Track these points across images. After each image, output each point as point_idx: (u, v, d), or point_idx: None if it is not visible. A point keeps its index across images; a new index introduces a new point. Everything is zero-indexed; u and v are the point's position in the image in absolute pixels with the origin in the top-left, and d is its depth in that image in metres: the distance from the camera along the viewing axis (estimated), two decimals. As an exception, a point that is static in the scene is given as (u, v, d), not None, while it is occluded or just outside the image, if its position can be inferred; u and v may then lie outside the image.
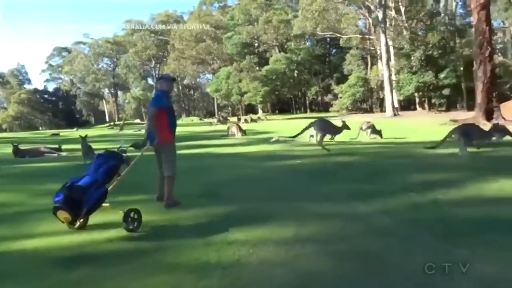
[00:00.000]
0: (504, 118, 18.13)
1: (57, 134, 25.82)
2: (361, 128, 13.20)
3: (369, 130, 13.14)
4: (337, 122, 11.81)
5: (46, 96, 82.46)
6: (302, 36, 46.71)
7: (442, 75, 31.17)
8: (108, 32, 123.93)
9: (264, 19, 49.01)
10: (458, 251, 3.29)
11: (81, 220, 4.11)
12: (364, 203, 4.89)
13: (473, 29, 24.94)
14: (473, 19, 18.78)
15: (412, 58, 31.69)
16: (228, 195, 5.69)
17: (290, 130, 20.40)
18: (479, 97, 18.21)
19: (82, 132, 32.27)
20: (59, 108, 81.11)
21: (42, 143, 18.26)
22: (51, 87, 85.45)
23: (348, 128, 11.43)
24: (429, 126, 18.73)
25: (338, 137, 12.82)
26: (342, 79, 47.04)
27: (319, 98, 55.89)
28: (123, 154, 5.04)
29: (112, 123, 48.91)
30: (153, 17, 73.49)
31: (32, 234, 4.20)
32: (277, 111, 57.03)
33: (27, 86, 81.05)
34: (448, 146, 10.34)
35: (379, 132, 13.09)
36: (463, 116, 23.66)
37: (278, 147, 11.58)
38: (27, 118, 76.75)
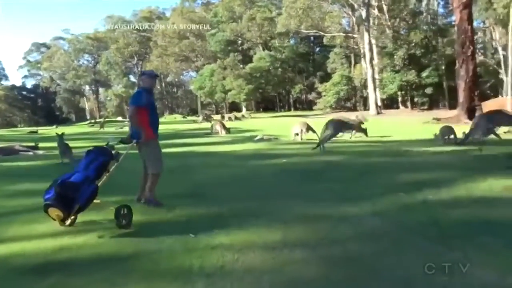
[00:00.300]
0: (485, 117, 18.38)
1: (35, 132, 25.03)
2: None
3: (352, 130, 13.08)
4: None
5: (24, 92, 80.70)
6: (286, 34, 46.68)
7: (424, 74, 31.58)
8: (89, 28, 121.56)
9: (248, 16, 48.73)
10: (451, 254, 3.16)
11: (72, 218, 4.00)
12: (353, 204, 4.74)
13: (455, 29, 25.32)
14: (456, 18, 19.02)
15: (395, 57, 31.96)
16: (212, 195, 5.47)
17: (274, 128, 20.51)
18: (461, 96, 18.46)
19: (62, 129, 31.50)
20: (38, 105, 79.44)
21: (19, 141, 17.63)
22: (29, 83, 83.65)
23: (362, 123, 11.27)
24: (412, 125, 18.91)
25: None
26: (326, 77, 47.20)
27: (303, 96, 55.96)
28: (113, 150, 4.77)
29: (93, 121, 47.90)
30: (135, 13, 72.43)
31: (1, 238, 3.91)
32: (261, 109, 56.88)
33: (4, 83, 78.75)
34: (434, 144, 10.39)
35: (364, 131, 13.02)
36: (445, 114, 23.95)
37: (263, 145, 11.39)
38: (4, 116, 74.78)
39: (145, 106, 4.79)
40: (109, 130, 25.65)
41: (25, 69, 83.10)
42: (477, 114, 18.32)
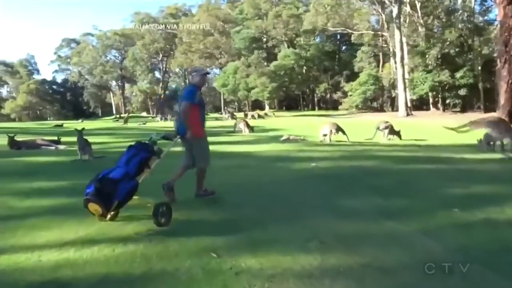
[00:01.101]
0: (528, 121, 17.12)
1: (60, 125, 25.19)
2: (378, 128, 12.31)
3: (386, 131, 12.26)
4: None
5: (54, 87, 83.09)
6: (312, 31, 45.74)
7: (458, 75, 30.01)
8: (117, 24, 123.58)
9: (274, 13, 48.06)
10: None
11: (112, 213, 3.96)
12: (399, 220, 4.07)
13: (493, 26, 23.79)
14: (499, 14, 17.71)
15: (427, 56, 30.54)
16: (234, 204, 4.89)
17: (300, 128, 19.80)
18: (502, 98, 17.17)
19: (86, 124, 31.77)
20: (67, 99, 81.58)
21: (44, 134, 17.60)
22: (59, 78, 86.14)
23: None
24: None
25: (355, 138, 12.04)
26: (352, 76, 46.03)
27: (328, 96, 54.86)
28: (155, 146, 4.59)
29: (118, 116, 48.35)
30: (162, 10, 73.24)
31: (3, 247, 3.47)
32: (284, 108, 56.16)
33: (36, 77, 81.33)
34: (477, 151, 9.51)
35: (397, 133, 12.20)
36: (481, 117, 22.61)
37: (289, 146, 10.73)
38: (35, 109, 76.89)
39: (197, 104, 4.87)
40: (132, 125, 25.65)
41: (55, 64, 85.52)
42: (519, 118, 17.14)
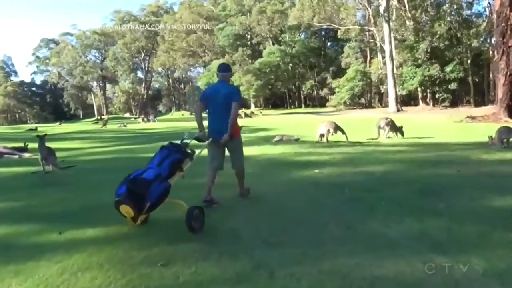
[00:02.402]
0: (529, 115, 16.46)
1: (34, 129, 23.53)
2: (379, 127, 11.32)
3: (387, 128, 11.27)
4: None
5: (33, 88, 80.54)
6: (297, 27, 44.79)
7: (448, 69, 29.41)
8: (97, 23, 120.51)
9: (258, 9, 46.94)
10: None
11: (143, 216, 3.72)
12: (450, 255, 3.00)
13: (480, 19, 23.13)
14: (495, 4, 16.98)
15: (416, 50, 29.81)
16: (227, 231, 3.77)
17: (290, 126, 18.69)
18: (500, 91, 16.49)
19: (65, 127, 30.09)
20: (47, 101, 79.34)
21: (14, 140, 16.07)
22: (38, 79, 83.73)
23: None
24: (444, 124, 17.00)
25: (354, 137, 11.01)
26: (339, 72, 45.28)
27: (315, 93, 54.01)
28: (187, 148, 4.28)
29: (98, 118, 46.54)
30: (143, 8, 71.44)
31: None
32: (270, 106, 55.14)
33: (14, 79, 78.56)
34: (491, 149, 8.60)
35: (399, 130, 11.23)
36: (473, 112, 21.97)
37: (284, 148, 9.61)
38: (14, 112, 74.31)
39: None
40: (111, 128, 24.17)
41: (34, 65, 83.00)
42: (518, 111, 16.46)
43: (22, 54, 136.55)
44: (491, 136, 9.33)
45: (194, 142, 4.74)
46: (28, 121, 70.68)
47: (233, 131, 4.67)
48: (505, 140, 9.05)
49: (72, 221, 4.17)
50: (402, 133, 11.23)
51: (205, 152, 4.80)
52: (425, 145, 10.05)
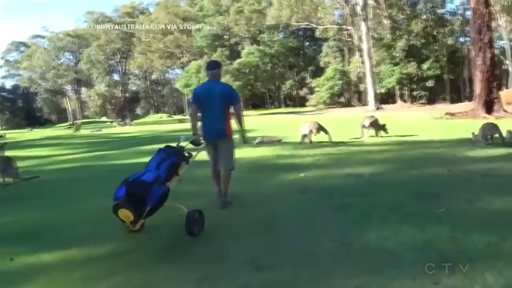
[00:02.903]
0: (505, 111, 16.60)
1: (1, 137, 22.34)
2: (363, 126, 11.02)
3: (370, 127, 10.97)
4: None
5: (3, 93, 77.63)
6: (275, 27, 44.61)
7: (425, 66, 29.70)
8: (69, 25, 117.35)
9: (235, 9, 46.54)
10: None
11: (142, 221, 3.61)
12: (455, 271, 2.64)
13: (455, 17, 23.26)
14: (471, 1, 17.03)
15: (395, 48, 29.97)
16: (207, 248, 3.32)
17: (271, 127, 18.29)
18: (478, 87, 16.55)
19: (36, 132, 28.84)
20: (19, 107, 76.61)
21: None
22: (8, 84, 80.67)
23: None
24: (424, 121, 16.92)
25: (337, 137, 10.68)
26: (318, 72, 45.31)
27: (294, 92, 53.94)
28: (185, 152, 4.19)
29: (71, 122, 45.09)
30: (117, 9, 69.97)
31: None
32: (250, 106, 54.73)
33: (-19, 84, 75.66)
34: (477, 147, 8.41)
35: (383, 127, 10.96)
36: (450, 109, 22.14)
37: (266, 150, 9.18)
38: (-18, 118, 71.60)
39: None
40: (85, 133, 23.24)
41: (4, 69, 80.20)
42: (496, 107, 16.58)
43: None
44: (474, 133, 9.16)
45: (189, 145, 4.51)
46: (0, 127, 68.31)
47: (229, 130, 4.68)
48: (489, 136, 8.89)
49: (27, 244, 3.63)
50: (386, 131, 10.97)
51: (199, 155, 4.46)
52: (409, 143, 9.80)
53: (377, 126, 11.00)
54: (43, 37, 74.21)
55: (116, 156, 10.18)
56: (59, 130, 30.50)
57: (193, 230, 3.58)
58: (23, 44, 77.94)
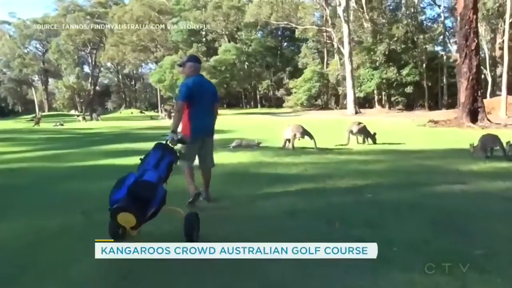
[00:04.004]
0: (489, 121, 16.20)
1: (-51, 128, 20.27)
2: (350, 132, 10.12)
3: (359, 134, 10.12)
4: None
5: (-35, 81, 73.45)
6: (254, 25, 43.61)
7: (404, 72, 29.42)
8: (39, 13, 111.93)
9: (214, 4, 45.14)
10: None
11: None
12: None
13: (435, 24, 22.83)
14: (458, 6, 16.55)
15: (375, 52, 29.53)
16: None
17: (248, 128, 17.15)
18: (462, 96, 16.07)
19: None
20: (-20, 96, 72.64)
21: None
22: (-30, 71, 76.06)
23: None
24: (408, 129, 16.33)
25: (321, 143, 9.72)
26: (295, 73, 44.64)
27: (271, 93, 53.10)
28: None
29: (34, 115, 42.49)
30: (89, -2, 67.07)
31: None
32: (225, 106, 53.50)
33: None
34: (477, 159, 7.64)
35: (373, 136, 10.12)
36: (435, 116, 21.64)
37: (244, 156, 8.07)
38: None
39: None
40: (45, 127, 21.39)
41: (-35, 55, 75.57)
42: (480, 116, 16.17)
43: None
44: (473, 144, 8.42)
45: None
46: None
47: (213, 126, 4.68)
48: (489, 148, 8.17)
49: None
50: (374, 140, 10.12)
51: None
52: (400, 152, 8.97)
53: (365, 133, 10.13)
54: (9, 24, 70.59)
55: (71, 157, 8.81)
56: (19, 123, 28.28)
57: (193, 234, 3.22)
58: (-12, 30, 73.89)
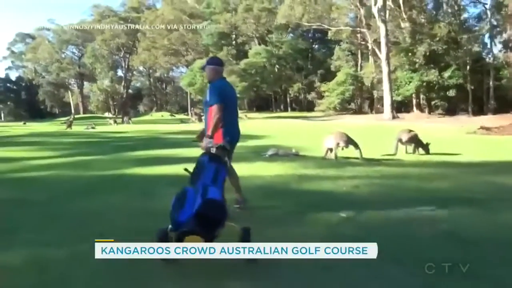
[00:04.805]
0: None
1: (-14, 131, 20.56)
2: (400, 140, 9.07)
3: (408, 143, 9.04)
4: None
5: (8, 84, 76.80)
6: (285, 27, 42.73)
7: (446, 74, 27.61)
8: (76, 18, 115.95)
9: (244, 6, 44.65)
10: None
11: None
12: None
13: (481, 24, 21.11)
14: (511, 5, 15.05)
15: (415, 53, 27.89)
16: None
17: (283, 134, 16.12)
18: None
19: (27, 127, 27.02)
20: (22, 98, 75.67)
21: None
22: (13, 75, 79.90)
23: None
24: (455, 136, 14.94)
25: (364, 152, 8.70)
26: (327, 76, 43.37)
27: (301, 96, 51.98)
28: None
29: (68, 118, 43.35)
30: (123, 3, 68.65)
31: None
32: (254, 109, 52.86)
33: (-13, 74, 74.77)
34: None
35: (424, 145, 9.02)
36: (481, 122, 19.92)
37: (282, 167, 7.19)
38: (-16, 108, 70.44)
39: None
40: (76, 130, 21.36)
41: (9, 60, 79.47)
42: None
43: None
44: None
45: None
46: (2, 118, 67.60)
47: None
48: None
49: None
50: (427, 151, 9.00)
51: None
52: (461, 166, 7.82)
53: (417, 142, 9.02)
54: (48, 29, 73.48)
55: (96, 164, 8.25)
56: (53, 125, 28.62)
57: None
58: (29, 35, 77.27)
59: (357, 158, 8.19)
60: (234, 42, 50.41)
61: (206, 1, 52.65)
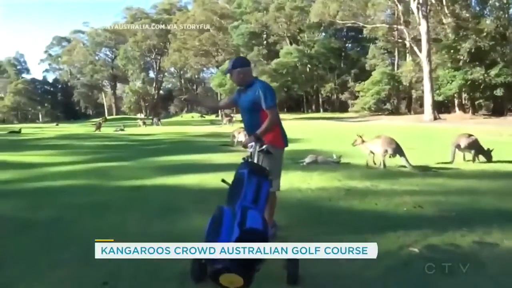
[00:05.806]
0: None
1: (18, 132, 20.71)
2: (457, 146, 7.94)
3: (467, 149, 7.91)
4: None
5: (45, 86, 79.95)
6: (317, 26, 41.48)
7: (493, 72, 25.62)
8: (109, 21, 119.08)
9: (276, 5, 43.78)
10: None
11: None
12: None
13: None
14: None
15: (458, 50, 26.05)
16: None
17: (317, 136, 15.10)
18: None
19: (58, 128, 27.27)
20: (58, 100, 78.50)
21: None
22: (50, 77, 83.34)
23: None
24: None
25: (417, 161, 7.63)
26: (361, 75, 41.78)
27: (334, 96, 50.47)
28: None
29: (101, 118, 43.97)
30: (155, 6, 69.71)
31: None
32: (285, 110, 51.85)
33: (26, 76, 78.01)
34: None
35: (486, 152, 7.85)
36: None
37: (324, 179, 6.29)
38: (24, 109, 73.10)
39: None
40: (106, 132, 21.18)
41: (46, 63, 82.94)
42: None
43: (36, 52, 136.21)
44: None
45: None
46: (39, 119, 70.21)
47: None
48: None
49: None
50: (489, 158, 7.82)
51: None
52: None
53: (477, 148, 7.85)
54: (83, 32, 75.78)
55: (118, 172, 7.61)
56: (83, 127, 28.80)
57: (297, 279, 2.64)
58: (65, 39, 79.95)
59: (404, 167, 7.14)
60: (265, 42, 49.69)
61: (237, 1, 52.24)
